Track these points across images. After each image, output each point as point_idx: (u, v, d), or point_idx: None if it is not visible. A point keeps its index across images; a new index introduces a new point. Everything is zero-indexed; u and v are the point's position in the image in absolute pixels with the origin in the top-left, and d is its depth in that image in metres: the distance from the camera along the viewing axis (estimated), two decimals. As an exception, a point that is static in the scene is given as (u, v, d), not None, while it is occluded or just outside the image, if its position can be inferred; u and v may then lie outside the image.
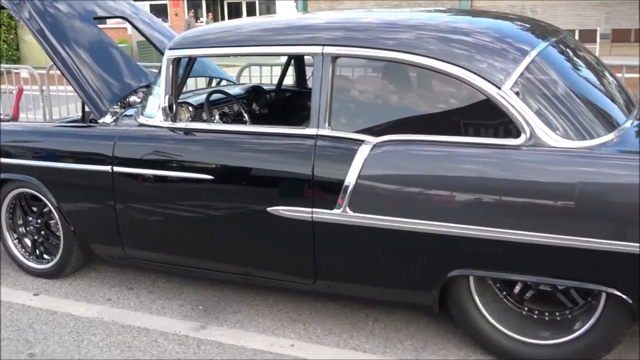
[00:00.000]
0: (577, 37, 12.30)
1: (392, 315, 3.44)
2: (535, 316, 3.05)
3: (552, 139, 2.72)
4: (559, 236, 2.62)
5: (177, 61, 3.44)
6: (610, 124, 2.88)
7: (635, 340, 3.10)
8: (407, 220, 2.84)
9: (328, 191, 3.00)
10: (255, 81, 6.55)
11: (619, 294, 2.64)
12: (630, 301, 2.63)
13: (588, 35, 15.42)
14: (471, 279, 2.95)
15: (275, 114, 4.58)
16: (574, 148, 2.70)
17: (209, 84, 5.16)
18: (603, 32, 16.21)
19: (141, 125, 3.54)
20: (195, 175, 3.30)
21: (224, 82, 5.06)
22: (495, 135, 2.83)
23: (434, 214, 2.80)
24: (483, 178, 2.74)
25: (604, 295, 2.74)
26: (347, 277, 3.14)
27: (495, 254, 2.78)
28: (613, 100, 3.14)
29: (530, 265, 2.76)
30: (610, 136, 2.77)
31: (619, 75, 5.03)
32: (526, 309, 3.06)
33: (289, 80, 5.01)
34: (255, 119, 4.37)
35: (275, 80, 5.06)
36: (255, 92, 4.59)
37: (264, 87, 4.80)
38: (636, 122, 3.03)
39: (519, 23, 3.32)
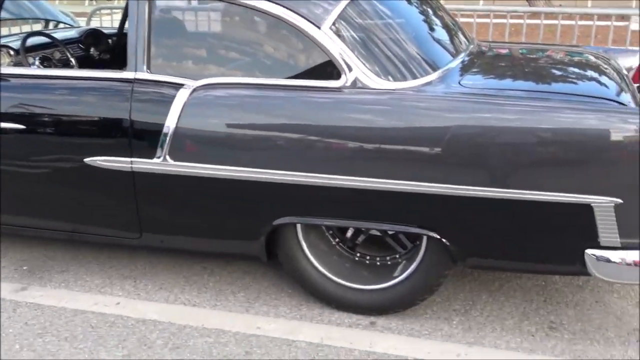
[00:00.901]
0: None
1: (229, 267, 3.33)
2: (367, 262, 3.02)
3: (373, 81, 2.64)
4: (378, 180, 2.57)
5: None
6: (434, 64, 2.83)
7: (457, 281, 3.14)
8: (228, 168, 2.70)
9: (147, 139, 2.80)
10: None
11: (437, 236, 2.62)
12: (448, 244, 2.63)
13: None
14: (298, 226, 2.87)
15: (118, 59, 4.28)
16: (395, 89, 2.63)
17: (45, 27, 4.76)
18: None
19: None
20: (10, 125, 3.01)
21: (62, 26, 4.68)
22: (317, 78, 2.71)
23: (254, 160, 2.67)
24: (302, 122, 2.63)
25: (425, 239, 2.73)
26: (173, 229, 2.99)
27: (318, 200, 2.70)
28: (440, 42, 3.10)
29: (353, 211, 2.70)
30: (433, 76, 2.72)
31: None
32: (358, 254, 3.03)
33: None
34: (94, 65, 4.07)
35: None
36: (93, 37, 4.26)
37: (105, 31, 4.47)
38: (463, 59, 3.01)
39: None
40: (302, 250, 2.91)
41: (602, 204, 2.40)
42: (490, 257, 2.70)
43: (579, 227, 2.47)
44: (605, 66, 3.13)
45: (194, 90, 2.75)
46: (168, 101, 2.75)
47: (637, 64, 3.63)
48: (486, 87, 2.78)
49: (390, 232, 2.98)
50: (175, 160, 2.76)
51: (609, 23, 5.22)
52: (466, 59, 3.10)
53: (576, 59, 3.36)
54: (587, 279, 3.15)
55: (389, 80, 2.65)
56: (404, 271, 2.83)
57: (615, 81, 2.86)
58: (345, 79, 2.65)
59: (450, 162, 2.49)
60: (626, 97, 2.67)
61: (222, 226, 2.88)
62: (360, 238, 3.01)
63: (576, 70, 3.17)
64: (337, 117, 2.61)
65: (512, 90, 2.68)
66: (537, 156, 2.44)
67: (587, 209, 2.42)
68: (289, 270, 2.98)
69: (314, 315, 2.93)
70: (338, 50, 2.64)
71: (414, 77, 2.68)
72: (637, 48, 3.66)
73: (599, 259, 2.47)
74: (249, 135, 2.69)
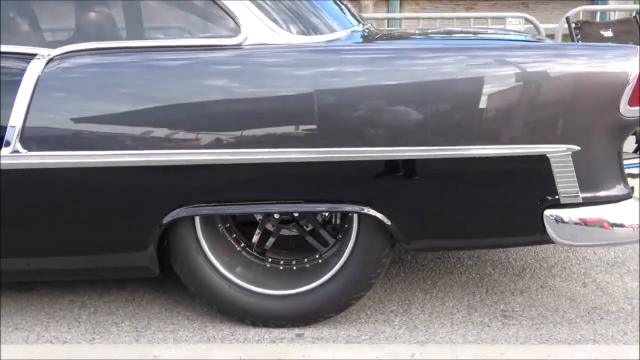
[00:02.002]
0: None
1: (105, 297, 2.64)
2: (281, 267, 2.48)
3: (279, 35, 2.19)
4: (299, 150, 2.08)
5: None
6: (341, 23, 2.46)
7: (384, 284, 2.70)
8: (100, 154, 2.09)
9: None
10: None
11: (374, 213, 2.16)
12: (389, 223, 2.17)
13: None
14: (198, 227, 2.30)
15: None
16: (305, 43, 2.20)
17: None
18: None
19: None
20: None
21: None
22: (210, 35, 2.23)
23: (132, 143, 2.09)
24: (192, 87, 2.11)
25: (355, 222, 2.26)
26: (33, 246, 2.27)
27: (219, 183, 2.16)
28: (341, 8, 2.74)
29: (266, 191, 2.18)
30: (342, 34, 2.33)
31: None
32: (270, 260, 2.49)
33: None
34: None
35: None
36: None
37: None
38: (365, 28, 2.69)
39: None
40: (203, 253, 2.32)
41: (559, 152, 2.08)
42: (439, 237, 2.27)
43: (535, 184, 2.13)
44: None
45: (50, 60, 2.15)
46: (17, 75, 2.13)
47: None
48: (402, 43, 2.44)
49: (307, 228, 2.48)
50: (30, 150, 2.11)
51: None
52: (367, 28, 2.76)
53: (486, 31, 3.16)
54: (522, 266, 2.83)
55: (293, 34, 2.21)
56: (332, 267, 2.33)
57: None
58: (245, 35, 2.18)
59: (380, 121, 2.07)
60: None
61: (98, 233, 2.23)
62: (270, 242, 2.48)
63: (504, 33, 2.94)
64: (235, 78, 2.12)
65: (434, 44, 2.37)
66: (481, 106, 2.09)
67: (543, 160, 2.08)
68: (187, 281, 2.36)
69: (224, 336, 2.33)
70: (236, 3, 2.19)
71: (322, 33, 2.28)
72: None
73: (560, 220, 2.13)
74: (126, 112, 2.11)
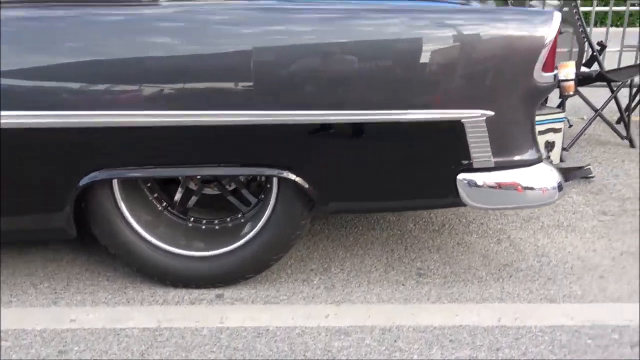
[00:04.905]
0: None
1: (25, 257, 2.61)
2: (203, 227, 2.50)
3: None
4: (217, 112, 2.06)
5: None
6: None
7: (307, 241, 2.74)
8: (12, 114, 2.03)
9: None
10: None
11: (293, 177, 2.18)
12: (307, 186, 2.19)
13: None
14: (115, 187, 2.27)
15: None
16: None
17: None
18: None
19: None
20: None
21: None
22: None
23: (47, 103, 2.03)
24: (113, 46, 2.04)
25: (275, 184, 2.27)
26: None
27: (133, 146, 2.13)
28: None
29: (186, 154, 2.17)
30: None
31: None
32: (192, 219, 2.50)
33: None
34: None
35: None
36: None
37: None
38: None
39: None
40: (122, 215, 2.31)
41: (473, 118, 2.12)
42: (355, 199, 2.31)
43: (449, 149, 2.17)
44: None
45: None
46: None
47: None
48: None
49: (229, 188, 2.50)
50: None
51: None
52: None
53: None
54: (442, 222, 2.91)
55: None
56: (253, 227, 2.35)
57: None
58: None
59: (294, 85, 2.06)
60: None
61: (15, 195, 2.18)
62: (192, 201, 2.49)
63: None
64: (165, 36, 2.06)
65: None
66: (395, 71, 2.10)
67: (457, 125, 2.12)
68: (106, 243, 2.35)
69: (144, 297, 2.35)
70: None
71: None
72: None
73: (472, 184, 2.19)
74: (42, 70, 2.04)
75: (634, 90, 4.23)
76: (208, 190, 2.53)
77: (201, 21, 2.08)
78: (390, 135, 2.14)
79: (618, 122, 4.19)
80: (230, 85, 2.06)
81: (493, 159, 2.17)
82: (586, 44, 4.14)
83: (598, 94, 4.14)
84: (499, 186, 2.20)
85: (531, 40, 2.10)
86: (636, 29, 4.92)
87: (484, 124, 2.13)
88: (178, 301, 2.32)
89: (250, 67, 2.03)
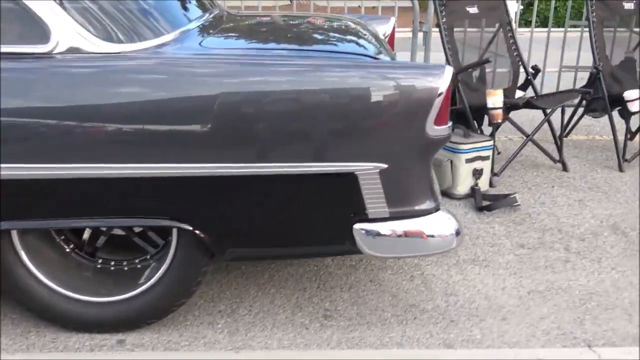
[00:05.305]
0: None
1: None
2: (112, 268, 2.50)
3: (93, 43, 2.12)
4: (109, 165, 2.07)
5: None
6: (175, 21, 2.40)
7: (222, 278, 2.75)
8: None
9: None
10: None
11: (190, 228, 2.19)
12: (203, 236, 2.20)
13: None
14: (16, 240, 2.27)
15: None
16: (120, 52, 2.13)
17: None
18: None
19: None
20: None
21: None
22: (19, 43, 2.12)
23: None
24: None
25: (175, 233, 2.28)
26: None
27: (29, 197, 2.13)
28: (175, 3, 2.66)
29: (78, 207, 2.17)
30: (167, 37, 2.27)
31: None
32: (101, 260, 2.50)
33: None
34: None
35: None
36: None
37: None
38: (206, 22, 2.62)
39: None
40: (22, 263, 2.31)
41: (367, 170, 2.13)
42: (252, 246, 2.33)
43: (344, 200, 2.19)
44: (364, 31, 2.91)
45: None
46: None
47: (390, 31, 3.51)
48: (231, 48, 2.40)
49: (136, 230, 2.50)
50: None
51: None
52: (210, 21, 2.70)
53: (335, 24, 3.13)
54: (359, 258, 2.93)
55: (112, 42, 2.14)
56: (154, 274, 2.35)
57: (374, 43, 2.65)
58: (56, 42, 2.10)
59: (184, 139, 2.07)
60: (386, 58, 2.45)
61: None
62: (101, 240, 2.49)
63: (336, 33, 2.90)
64: (46, 89, 2.06)
65: (254, 51, 2.34)
66: (286, 122, 2.11)
67: (351, 178, 2.14)
68: (8, 290, 2.35)
69: (45, 343, 2.35)
70: (43, 7, 2.08)
71: (144, 39, 2.21)
72: (390, 16, 3.57)
73: (368, 233, 2.21)
74: None
75: (575, 112, 4.30)
76: (118, 231, 2.53)
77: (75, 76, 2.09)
78: (283, 186, 2.16)
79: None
80: (119, 138, 2.06)
81: (388, 210, 2.20)
82: (521, 67, 4.19)
83: (536, 112, 4.20)
84: (395, 235, 2.23)
85: (423, 95, 2.11)
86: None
87: (378, 177, 2.15)
88: (78, 347, 2.33)
89: (139, 120, 2.04)
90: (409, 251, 2.28)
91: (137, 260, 2.51)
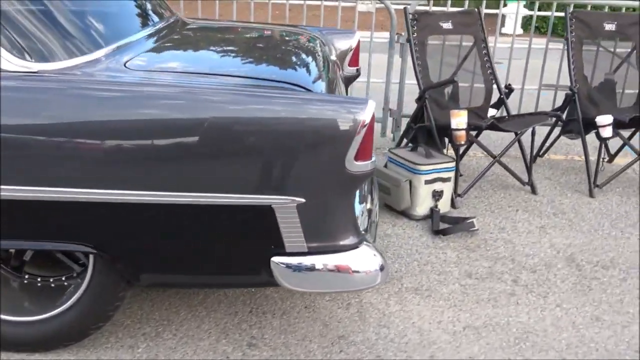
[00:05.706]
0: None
1: None
2: (39, 284, 2.47)
3: (10, 62, 2.07)
4: (20, 187, 2.02)
5: None
6: (104, 39, 2.34)
7: (156, 297, 2.71)
8: None
9: None
10: None
11: (99, 252, 2.15)
12: (116, 262, 2.17)
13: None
14: None
15: None
16: (38, 71, 2.08)
17: None
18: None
19: None
20: None
21: None
22: None
23: None
24: None
25: (92, 257, 2.24)
26: None
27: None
28: (116, 13, 2.60)
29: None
30: (96, 54, 2.21)
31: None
32: (27, 276, 2.47)
33: None
34: None
35: None
36: None
37: None
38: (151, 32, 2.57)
39: None
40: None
41: (284, 204, 2.07)
42: (165, 273, 2.28)
43: (261, 232, 2.13)
44: (308, 53, 2.81)
45: None
46: None
47: (355, 45, 3.44)
48: (154, 70, 2.33)
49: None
50: None
51: (336, 3, 4.98)
52: (156, 34, 2.64)
53: (285, 40, 3.06)
54: (300, 281, 2.87)
55: (29, 60, 2.09)
56: (73, 295, 2.32)
57: (312, 68, 2.56)
58: (-31, 60, 2.05)
59: (94, 163, 2.02)
60: (320, 85, 2.38)
61: None
62: (28, 255, 2.46)
63: (277, 54, 2.82)
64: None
65: (173, 75, 2.25)
66: (204, 153, 2.04)
67: (268, 211, 2.08)
68: None
69: (-41, 360, 2.32)
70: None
71: (67, 57, 2.16)
72: (354, 30, 3.48)
73: (286, 266, 2.16)
74: None
75: (551, 132, 4.20)
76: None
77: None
78: (198, 216, 2.10)
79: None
80: (28, 160, 2.01)
81: (306, 244, 2.14)
82: (494, 85, 4.10)
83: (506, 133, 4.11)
84: (313, 270, 2.17)
85: (342, 129, 2.04)
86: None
87: (295, 210, 2.09)
88: (-8, 367, 2.30)
89: (48, 144, 2.00)
90: (329, 287, 2.22)
91: (64, 277, 2.47)
